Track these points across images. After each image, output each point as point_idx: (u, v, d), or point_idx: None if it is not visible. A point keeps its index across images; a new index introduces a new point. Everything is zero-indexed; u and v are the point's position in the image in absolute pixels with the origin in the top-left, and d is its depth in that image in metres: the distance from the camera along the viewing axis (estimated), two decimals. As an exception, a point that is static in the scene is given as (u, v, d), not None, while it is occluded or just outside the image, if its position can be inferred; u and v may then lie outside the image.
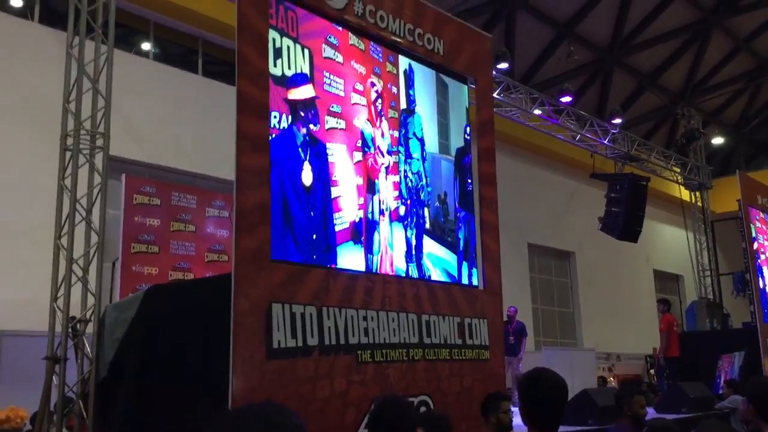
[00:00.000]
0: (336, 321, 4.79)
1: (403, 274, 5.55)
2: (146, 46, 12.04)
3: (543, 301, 18.35)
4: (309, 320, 4.60)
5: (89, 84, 5.85)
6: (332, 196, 5.08)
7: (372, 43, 5.64)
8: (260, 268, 4.38)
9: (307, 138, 4.92)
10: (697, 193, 17.30)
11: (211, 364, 4.55)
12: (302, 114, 4.91)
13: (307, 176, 4.86)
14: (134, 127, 10.52)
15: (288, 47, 4.88)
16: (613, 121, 15.08)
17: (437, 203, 6.04)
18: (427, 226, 5.88)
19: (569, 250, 19.07)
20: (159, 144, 11.16)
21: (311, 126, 4.97)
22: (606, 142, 15.08)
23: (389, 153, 5.66)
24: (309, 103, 4.99)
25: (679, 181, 17.50)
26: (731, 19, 19.75)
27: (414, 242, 5.74)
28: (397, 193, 5.65)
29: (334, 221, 5.04)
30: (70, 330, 5.31)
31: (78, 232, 5.57)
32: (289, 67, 4.87)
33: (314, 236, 4.83)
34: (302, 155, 4.86)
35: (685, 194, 18.17)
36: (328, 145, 5.09)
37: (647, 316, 18.45)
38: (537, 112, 13.75)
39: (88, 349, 5.31)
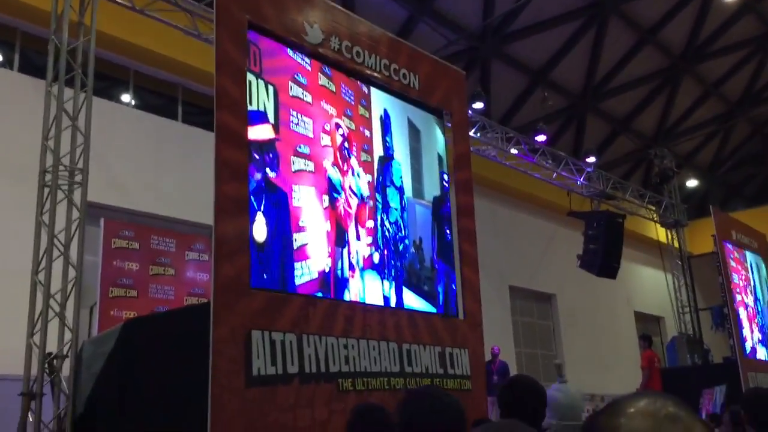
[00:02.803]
0: (316, 349, 4.76)
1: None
2: (126, 97, 12.14)
3: (526, 345, 18.29)
4: (289, 348, 4.57)
5: (67, 122, 5.91)
6: (299, 244, 4.80)
7: (343, 84, 5.60)
8: (239, 295, 4.37)
9: (263, 184, 4.61)
10: (674, 232, 17.50)
11: (191, 394, 4.49)
12: (257, 156, 4.59)
13: (259, 231, 4.52)
14: (113, 173, 10.53)
15: (249, 82, 4.73)
16: (588, 160, 15.33)
17: (412, 249, 5.91)
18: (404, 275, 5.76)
19: (550, 292, 19.11)
20: (138, 190, 11.14)
21: (268, 171, 4.69)
22: (581, 180, 15.29)
23: (362, 198, 5.51)
24: (266, 146, 4.73)
25: (655, 219, 17.72)
26: (700, 64, 20.34)
27: (394, 297, 5.60)
28: (371, 239, 5.50)
29: (296, 273, 4.78)
30: (46, 366, 5.24)
31: (55, 271, 5.54)
32: (250, 103, 4.70)
33: None
34: (255, 205, 4.51)
35: (662, 235, 18.38)
36: (294, 187, 4.86)
37: (630, 358, 18.42)
38: (513, 151, 13.93)
39: (65, 385, 5.23)
